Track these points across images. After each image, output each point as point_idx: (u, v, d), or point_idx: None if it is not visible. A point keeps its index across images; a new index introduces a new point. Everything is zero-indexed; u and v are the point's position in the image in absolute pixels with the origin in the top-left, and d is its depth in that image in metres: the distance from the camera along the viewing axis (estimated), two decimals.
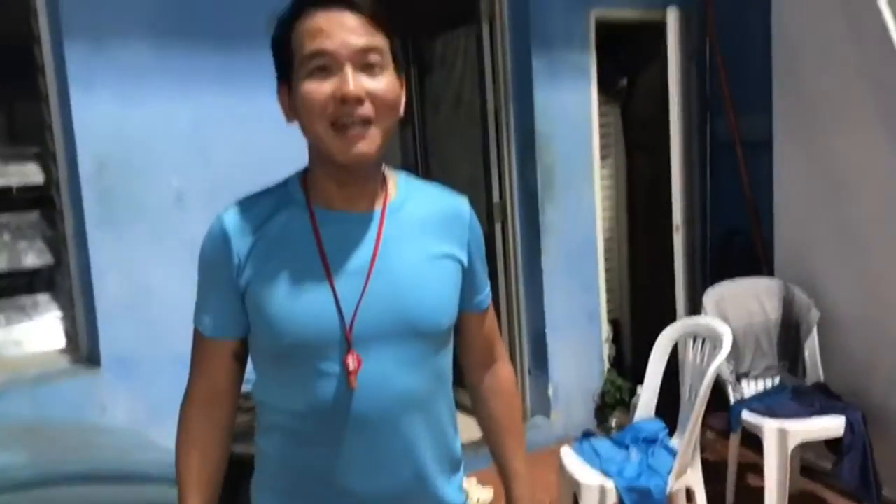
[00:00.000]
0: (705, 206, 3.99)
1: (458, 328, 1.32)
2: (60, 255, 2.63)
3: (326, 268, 1.16)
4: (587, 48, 3.62)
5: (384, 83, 1.13)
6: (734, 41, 3.74)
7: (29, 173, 2.60)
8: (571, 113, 3.60)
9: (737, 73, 3.70)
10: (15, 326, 2.58)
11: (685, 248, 3.68)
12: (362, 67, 1.11)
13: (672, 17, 3.57)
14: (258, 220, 1.18)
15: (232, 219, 1.19)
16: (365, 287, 1.16)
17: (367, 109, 1.11)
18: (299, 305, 1.15)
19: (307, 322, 1.14)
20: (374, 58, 1.11)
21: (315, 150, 1.18)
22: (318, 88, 1.10)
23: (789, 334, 3.15)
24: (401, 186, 1.26)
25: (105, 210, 2.53)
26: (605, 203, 4.02)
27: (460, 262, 1.27)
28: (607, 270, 3.94)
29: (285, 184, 1.23)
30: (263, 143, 2.68)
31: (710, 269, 3.95)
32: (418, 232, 1.23)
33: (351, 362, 1.14)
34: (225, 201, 1.23)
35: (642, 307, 4.34)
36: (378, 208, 1.21)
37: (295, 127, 1.18)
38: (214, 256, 1.19)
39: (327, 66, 1.10)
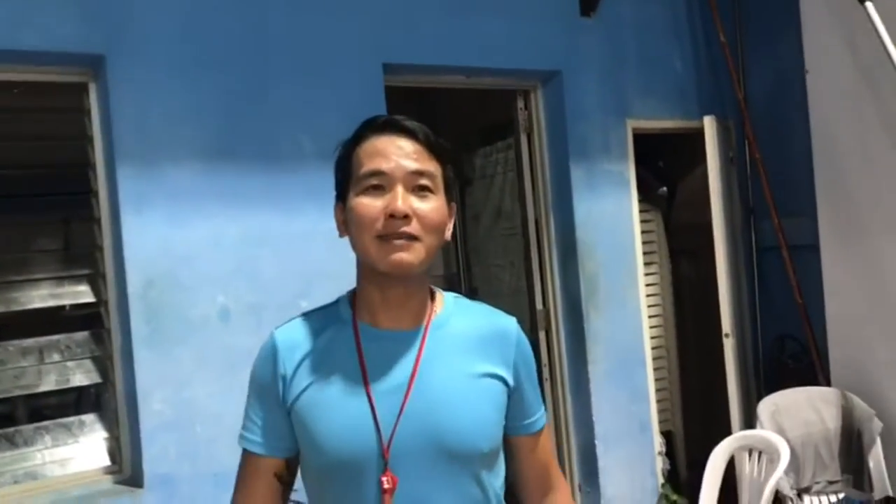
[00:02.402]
0: (755, 312, 3.90)
1: (511, 454, 1.29)
2: (107, 374, 2.65)
3: (366, 385, 1.16)
4: (625, 157, 3.65)
5: (432, 205, 1.18)
6: (774, 145, 3.73)
7: (81, 293, 2.67)
8: (612, 221, 3.60)
9: (778, 177, 3.67)
10: (61, 447, 2.59)
11: (736, 356, 3.57)
12: (413, 189, 1.16)
13: (709, 125, 3.60)
14: (307, 338, 1.21)
15: (282, 336, 1.22)
16: (403, 406, 1.16)
17: (412, 227, 1.15)
18: (339, 422, 1.15)
19: (346, 439, 1.15)
20: (424, 181, 1.17)
21: (361, 264, 1.21)
22: (371, 203, 1.15)
23: (851, 445, 3.00)
24: (447, 304, 1.28)
25: (151, 328, 2.56)
26: (652, 310, 3.96)
27: (505, 382, 1.25)
28: (657, 379, 3.83)
29: (336, 303, 1.27)
30: (306, 261, 2.73)
31: (764, 377, 3.83)
32: (460, 350, 1.23)
33: (386, 482, 1.13)
34: (268, 317, 1.26)
35: (695, 417, 4.19)
36: (422, 325, 1.22)
37: (335, 247, 1.20)
38: (263, 373, 1.22)
39: (381, 184, 1.16)
